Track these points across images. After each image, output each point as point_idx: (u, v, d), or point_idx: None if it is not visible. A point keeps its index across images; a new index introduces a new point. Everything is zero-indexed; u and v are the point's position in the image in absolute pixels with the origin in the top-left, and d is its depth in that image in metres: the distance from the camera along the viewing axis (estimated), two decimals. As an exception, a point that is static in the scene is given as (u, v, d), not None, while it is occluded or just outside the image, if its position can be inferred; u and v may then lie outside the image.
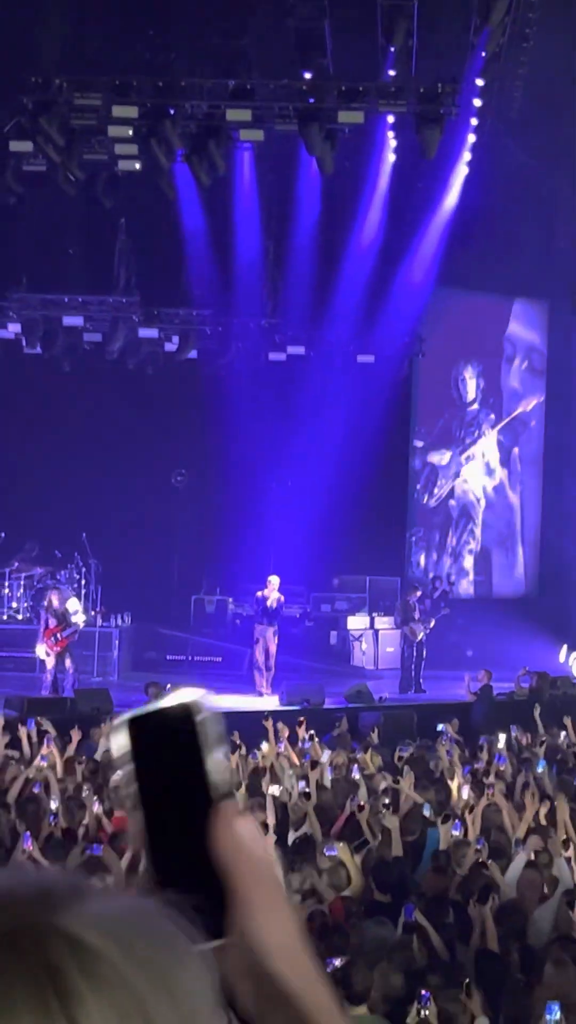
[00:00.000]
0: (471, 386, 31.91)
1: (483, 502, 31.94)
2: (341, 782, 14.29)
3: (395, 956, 8.55)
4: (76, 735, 15.51)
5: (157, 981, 1.02)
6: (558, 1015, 7.32)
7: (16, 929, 1.01)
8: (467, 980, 7.83)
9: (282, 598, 24.03)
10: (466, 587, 31.11)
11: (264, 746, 15.76)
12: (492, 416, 31.99)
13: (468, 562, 31.50)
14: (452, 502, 31.66)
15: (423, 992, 7.60)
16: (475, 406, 31.95)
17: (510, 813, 12.61)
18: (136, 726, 1.24)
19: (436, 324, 29.60)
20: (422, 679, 24.71)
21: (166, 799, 1.24)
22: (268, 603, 23.76)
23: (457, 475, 31.73)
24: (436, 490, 31.57)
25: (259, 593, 23.95)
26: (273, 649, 23.70)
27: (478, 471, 31.94)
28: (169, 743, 1.23)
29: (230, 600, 27.49)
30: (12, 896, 1.05)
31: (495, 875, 10.53)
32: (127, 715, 1.25)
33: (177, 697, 1.24)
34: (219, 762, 1.23)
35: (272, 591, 23.75)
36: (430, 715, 20.09)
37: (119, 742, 1.24)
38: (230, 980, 1.20)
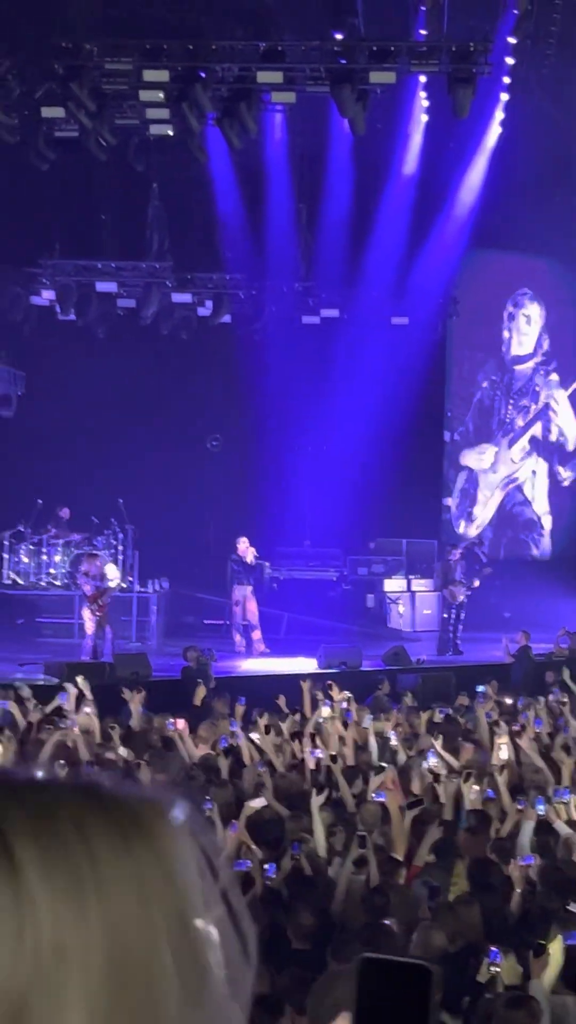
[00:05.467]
0: (526, 331, 31.20)
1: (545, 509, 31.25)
2: (381, 744, 14.34)
3: (440, 916, 8.60)
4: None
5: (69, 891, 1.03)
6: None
7: None
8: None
9: (256, 552, 24.59)
10: (504, 548, 31.02)
11: (325, 710, 15.84)
12: (555, 376, 31.35)
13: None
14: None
15: (492, 949, 7.68)
16: (530, 364, 31.43)
17: (543, 772, 12.66)
18: (369, 967, 1.26)
19: (470, 285, 29.49)
20: (459, 641, 24.72)
21: None
22: (247, 560, 24.30)
23: (511, 482, 30.99)
24: (477, 509, 30.97)
25: (235, 555, 24.38)
26: (254, 607, 24.10)
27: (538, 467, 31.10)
28: (400, 997, 1.24)
29: (266, 564, 27.51)
30: None
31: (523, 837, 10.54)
32: (364, 955, 1.27)
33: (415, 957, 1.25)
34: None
35: (245, 548, 24.23)
36: (468, 677, 20.10)
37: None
38: None
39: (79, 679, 16.02)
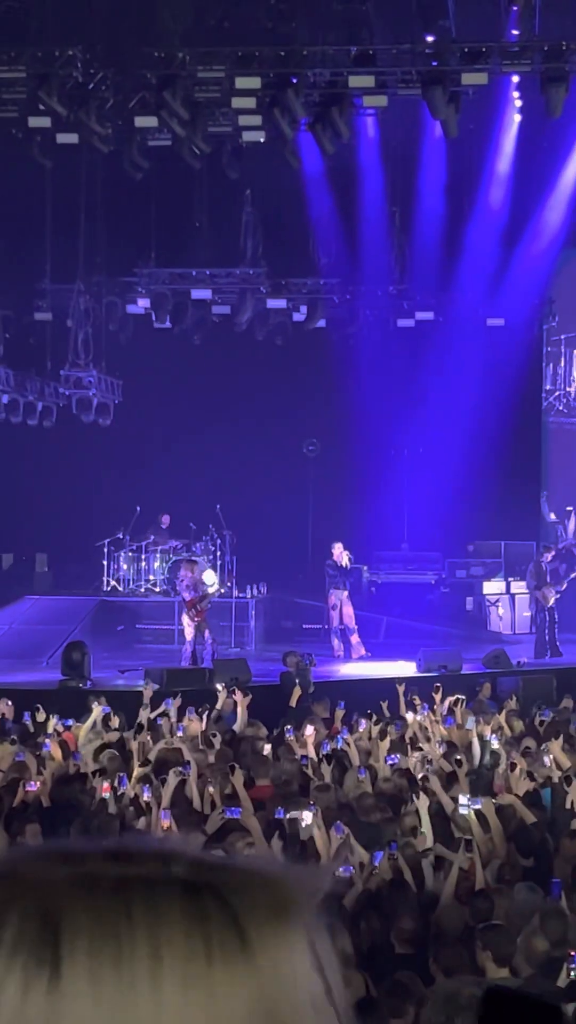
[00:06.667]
0: None
1: None
2: (482, 747, 14.27)
3: (544, 922, 8.54)
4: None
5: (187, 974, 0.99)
6: None
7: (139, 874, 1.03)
8: None
9: (351, 556, 24.69)
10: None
11: (408, 715, 15.85)
12: None
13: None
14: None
15: (572, 953, 7.65)
16: None
17: None
18: (496, 999, 1.20)
19: (567, 285, 29.26)
20: (558, 642, 24.50)
21: None
22: (343, 565, 24.41)
23: None
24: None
25: (331, 560, 24.42)
26: (351, 611, 24.10)
27: None
28: None
29: (364, 568, 27.52)
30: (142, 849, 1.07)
31: None
32: (490, 985, 1.21)
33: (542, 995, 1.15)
34: None
35: (340, 553, 24.33)
36: (570, 679, 19.96)
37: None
38: None
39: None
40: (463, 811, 10.79)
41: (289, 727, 15.06)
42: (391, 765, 13.16)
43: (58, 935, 0.99)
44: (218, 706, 16.66)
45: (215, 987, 0.98)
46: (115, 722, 15.50)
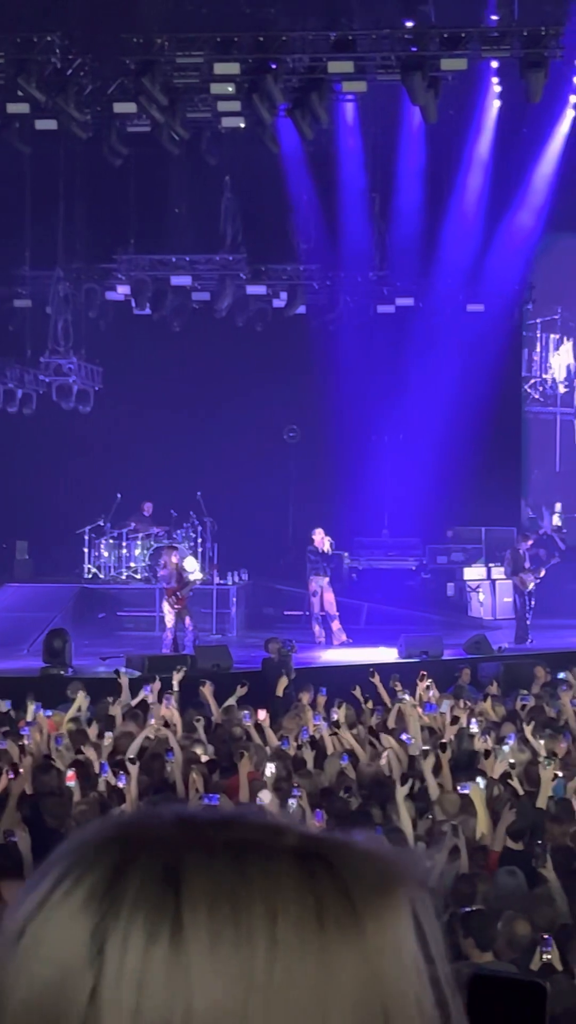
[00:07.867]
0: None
1: None
2: (461, 733, 14.30)
3: (524, 905, 8.57)
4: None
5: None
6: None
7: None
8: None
9: (332, 542, 24.72)
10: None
11: (387, 701, 15.89)
12: None
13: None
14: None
15: (546, 936, 7.71)
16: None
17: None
18: (481, 984, 1.25)
19: (546, 271, 29.28)
20: (528, 627, 24.50)
21: None
22: (324, 551, 24.41)
23: None
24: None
25: (312, 546, 24.46)
26: (332, 598, 24.11)
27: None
28: (513, 1014, 1.24)
29: (345, 554, 27.52)
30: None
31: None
32: (473, 970, 1.26)
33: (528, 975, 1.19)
34: None
35: (321, 539, 24.36)
36: (551, 664, 19.98)
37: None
38: None
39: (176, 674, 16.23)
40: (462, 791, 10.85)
41: (246, 712, 15.04)
42: (384, 748, 13.14)
43: (179, 893, 1.03)
44: (174, 687, 16.63)
45: (328, 950, 1.03)
46: (115, 709, 15.53)
